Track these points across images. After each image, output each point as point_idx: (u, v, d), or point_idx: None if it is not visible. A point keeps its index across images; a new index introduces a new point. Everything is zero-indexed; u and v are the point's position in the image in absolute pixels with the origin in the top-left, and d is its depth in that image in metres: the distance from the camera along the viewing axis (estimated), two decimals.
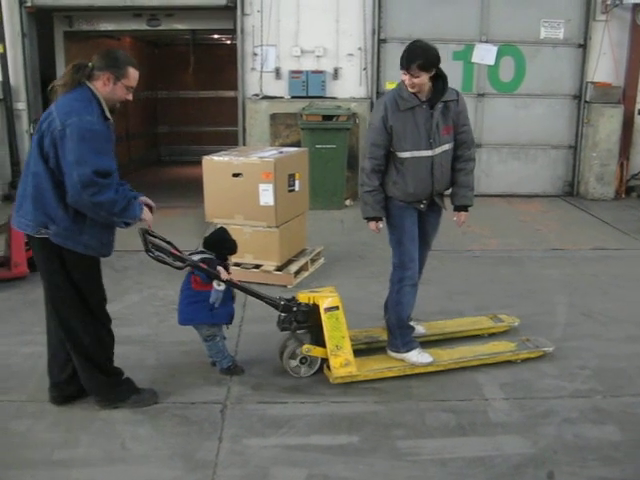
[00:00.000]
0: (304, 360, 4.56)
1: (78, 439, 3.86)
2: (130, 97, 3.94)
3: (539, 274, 6.86)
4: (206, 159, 6.69)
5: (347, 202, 10.03)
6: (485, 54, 10.58)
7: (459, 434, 3.91)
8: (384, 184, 4.52)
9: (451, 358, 4.71)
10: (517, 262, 7.26)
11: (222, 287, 4.35)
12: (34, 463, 3.63)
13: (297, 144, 9.54)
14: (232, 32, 11.12)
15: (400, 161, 4.44)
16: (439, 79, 4.41)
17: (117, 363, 4.78)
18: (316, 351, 4.52)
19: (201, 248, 4.64)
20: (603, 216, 9.48)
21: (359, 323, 5.31)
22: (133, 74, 3.89)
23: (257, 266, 6.55)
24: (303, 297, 4.58)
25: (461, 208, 4.73)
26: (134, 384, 4.23)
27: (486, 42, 10.55)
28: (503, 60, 10.64)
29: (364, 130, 10.37)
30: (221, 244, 4.62)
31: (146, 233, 4.13)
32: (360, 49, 10.38)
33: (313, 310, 4.53)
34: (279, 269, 6.52)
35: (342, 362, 4.44)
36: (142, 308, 5.88)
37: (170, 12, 11.09)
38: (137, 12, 11.03)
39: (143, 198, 4.02)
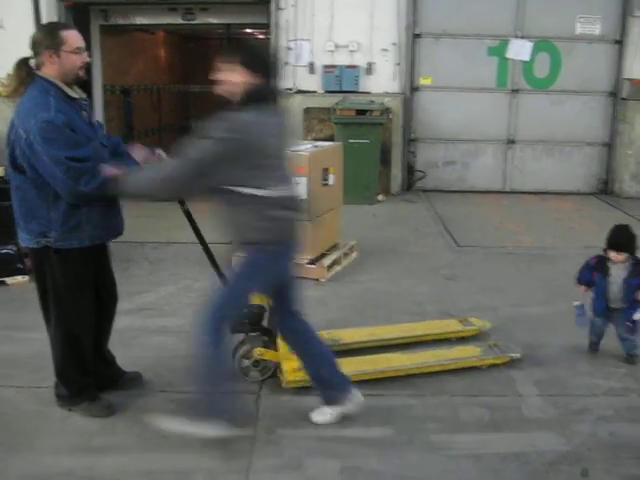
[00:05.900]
0: (257, 364, 4.36)
1: (115, 426, 3.91)
2: (87, 58, 3.63)
3: (573, 272, 6.78)
4: None
5: (379, 197, 10.02)
6: (520, 50, 10.49)
7: (493, 429, 3.90)
8: None
9: (413, 362, 4.53)
10: (551, 260, 7.18)
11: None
12: (73, 449, 3.69)
13: (330, 139, 9.52)
14: (266, 26, 11.15)
15: None
16: None
17: (153, 353, 4.85)
18: (268, 355, 4.33)
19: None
20: (638, 214, 9.36)
21: (389, 317, 5.37)
22: (69, 35, 3.56)
23: None
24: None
25: None
26: (94, 392, 4.07)
27: (521, 37, 10.47)
28: (538, 56, 10.55)
29: (397, 125, 10.39)
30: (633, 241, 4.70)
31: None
32: (394, 44, 10.36)
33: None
34: (312, 262, 6.52)
35: (294, 367, 4.19)
36: (177, 299, 5.92)
37: (205, 6, 11.20)
38: (172, 6, 11.16)
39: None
